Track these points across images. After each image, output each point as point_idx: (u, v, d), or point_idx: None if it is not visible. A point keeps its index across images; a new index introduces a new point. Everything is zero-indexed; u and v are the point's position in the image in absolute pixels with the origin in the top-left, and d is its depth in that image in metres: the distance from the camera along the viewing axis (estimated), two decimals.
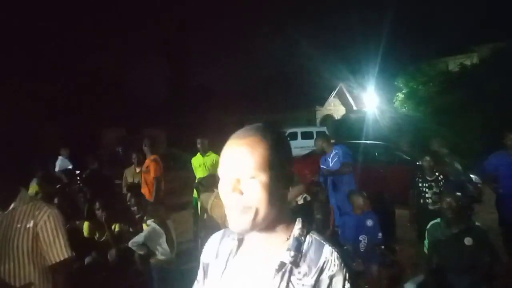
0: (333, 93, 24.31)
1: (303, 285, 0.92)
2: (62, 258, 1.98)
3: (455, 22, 19.66)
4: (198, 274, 1.15)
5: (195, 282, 1.16)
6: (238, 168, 0.93)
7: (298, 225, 0.99)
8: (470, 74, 15.49)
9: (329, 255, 0.94)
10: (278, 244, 0.97)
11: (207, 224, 4.63)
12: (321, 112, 23.58)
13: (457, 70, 16.77)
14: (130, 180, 5.53)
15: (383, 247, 3.95)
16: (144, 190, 4.94)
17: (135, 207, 4.79)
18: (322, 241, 0.97)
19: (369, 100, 20.30)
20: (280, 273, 0.93)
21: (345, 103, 24.95)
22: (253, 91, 23.56)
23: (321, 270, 0.92)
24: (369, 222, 4.02)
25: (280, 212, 0.97)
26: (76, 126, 15.19)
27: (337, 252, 0.95)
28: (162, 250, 3.88)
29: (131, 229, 4.48)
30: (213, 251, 1.11)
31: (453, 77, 16.11)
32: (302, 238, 0.97)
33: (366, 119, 15.97)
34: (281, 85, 23.68)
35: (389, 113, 16.81)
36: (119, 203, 4.86)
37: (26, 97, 13.68)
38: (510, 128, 4.45)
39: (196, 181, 5.56)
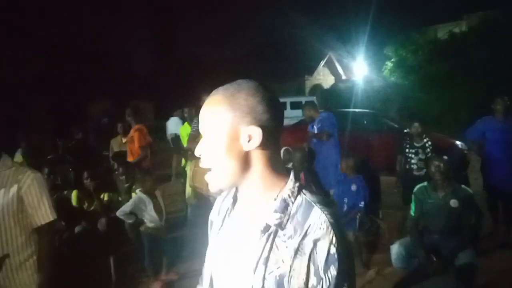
0: (322, 63, 24.11)
1: (286, 247, 0.89)
2: (47, 221, 2.03)
3: None
4: (209, 234, 1.15)
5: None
6: (202, 128, 0.95)
7: (289, 184, 0.95)
8: (459, 42, 15.44)
9: (317, 218, 0.89)
10: (266, 204, 0.94)
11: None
12: (310, 82, 23.44)
13: (446, 38, 16.70)
14: (116, 150, 5.49)
15: (360, 214, 4.00)
16: (130, 159, 4.91)
17: (123, 176, 4.78)
18: (313, 203, 0.92)
19: (358, 69, 20.21)
20: (266, 235, 0.91)
21: (334, 72, 24.82)
22: (242, 61, 23.23)
23: (306, 233, 0.88)
24: (353, 187, 4.07)
25: (258, 170, 0.93)
26: (60, 96, 14.89)
27: (326, 214, 0.89)
28: (150, 218, 3.88)
29: (120, 198, 4.47)
30: (217, 208, 1.11)
31: (441, 45, 16.06)
32: (292, 198, 0.93)
33: (355, 88, 15.95)
34: (270, 55, 23.36)
35: (378, 82, 16.79)
36: (107, 172, 4.83)
37: (7, 66, 13.28)
38: (498, 94, 4.47)
39: (184, 151, 5.55)
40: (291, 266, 0.88)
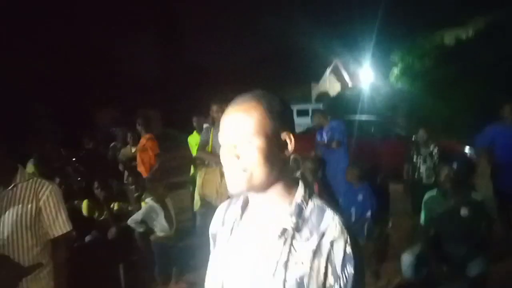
0: (329, 70, 24.15)
1: (304, 249, 0.94)
2: (64, 231, 2.07)
3: None
4: (211, 246, 1.17)
5: (211, 255, 1.18)
6: (235, 134, 0.97)
7: (300, 190, 1.00)
8: (465, 47, 15.41)
9: (331, 220, 0.95)
10: (280, 210, 0.99)
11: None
12: (316, 89, 23.47)
13: (452, 42, 16.67)
14: (126, 159, 5.54)
15: (368, 223, 3.97)
16: (140, 169, 4.94)
17: (133, 186, 4.83)
18: (324, 206, 0.98)
19: (365, 76, 20.19)
20: (283, 238, 0.95)
21: (340, 79, 24.83)
22: (248, 69, 23.35)
23: (322, 235, 0.94)
24: (360, 197, 4.06)
25: (279, 176, 0.98)
26: (69, 106, 15.01)
27: (338, 216, 0.96)
28: (160, 227, 3.91)
29: (129, 208, 4.51)
30: (219, 219, 1.14)
31: (448, 50, 16.03)
32: (304, 203, 0.99)
33: (362, 95, 15.94)
34: (277, 62, 23.45)
35: (384, 88, 16.78)
36: (117, 182, 4.88)
37: (15, 74, 13.39)
38: (507, 99, 4.46)
39: (193, 159, 5.59)
40: (310, 268, 0.92)
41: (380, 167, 6.07)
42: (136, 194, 4.69)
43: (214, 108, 3.76)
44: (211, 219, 4.15)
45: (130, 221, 3.90)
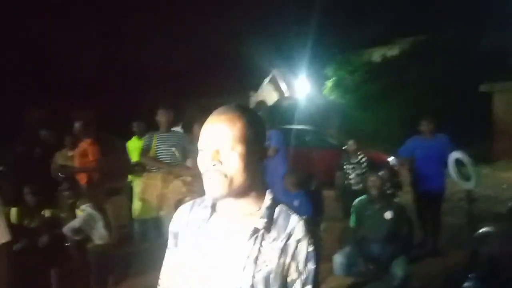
0: (267, 80, 24.73)
1: (272, 248, 1.05)
2: (4, 241, 2.03)
3: (379, 14, 20.89)
4: (168, 243, 1.23)
5: (167, 250, 1.24)
6: (219, 140, 1.05)
7: (269, 196, 1.12)
8: (391, 64, 16.74)
9: (296, 223, 1.08)
10: (251, 212, 1.10)
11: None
12: (254, 98, 23.89)
13: (379, 60, 18.02)
14: (62, 164, 5.28)
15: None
16: (80, 175, 4.77)
17: (68, 192, 4.63)
18: (290, 211, 1.11)
19: (301, 87, 21.01)
20: (253, 238, 1.06)
21: (277, 89, 25.53)
22: (188, 75, 23.16)
23: (289, 236, 1.06)
24: (296, 202, 4.32)
25: (253, 182, 1.09)
26: None
27: (302, 220, 1.09)
28: (99, 235, 3.82)
29: (63, 215, 4.33)
30: (183, 220, 1.20)
31: (376, 67, 17.30)
32: (273, 208, 1.11)
33: (298, 106, 16.58)
34: (216, 70, 23.53)
35: (318, 100, 17.63)
36: (50, 187, 4.65)
37: None
38: (424, 116, 4.99)
39: (132, 165, 5.50)
40: (277, 264, 1.04)
41: (315, 174, 6.43)
42: (70, 201, 4.51)
43: (161, 112, 3.78)
44: (151, 225, 4.13)
45: (66, 229, 3.76)
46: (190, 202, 1.23)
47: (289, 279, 1.05)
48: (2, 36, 15.45)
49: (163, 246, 1.26)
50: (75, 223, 3.78)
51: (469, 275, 3.26)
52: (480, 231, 3.50)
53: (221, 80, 22.22)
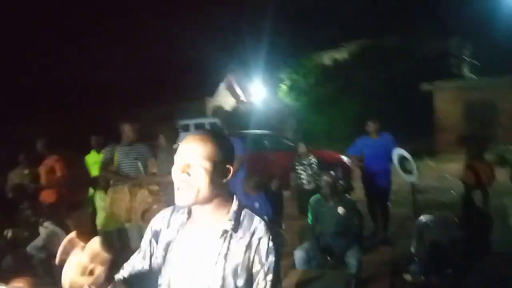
0: (222, 84, 24.90)
1: (239, 245, 1.28)
2: None
3: (328, 18, 21.71)
4: (142, 243, 1.41)
5: (137, 251, 1.42)
6: (190, 156, 1.26)
7: (235, 202, 1.35)
8: (341, 67, 17.51)
9: (258, 223, 1.31)
10: (221, 216, 1.32)
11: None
12: (211, 103, 23.99)
13: (330, 63, 18.78)
14: (17, 182, 5.20)
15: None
16: (47, 192, 4.74)
17: (29, 210, 4.59)
18: (252, 214, 1.34)
19: (256, 91, 21.38)
20: (223, 238, 1.28)
21: (233, 93, 25.76)
22: (142, 83, 22.84)
23: (252, 234, 1.29)
24: (256, 205, 4.59)
25: (219, 192, 1.31)
26: None
27: (264, 221, 1.32)
28: None
29: (25, 233, 4.30)
30: (165, 221, 1.40)
31: (327, 70, 18.02)
32: (239, 211, 1.33)
33: (254, 110, 16.92)
34: (171, 76, 23.38)
35: (274, 103, 18.07)
36: (10, 207, 4.59)
37: None
38: (370, 116, 5.40)
39: (92, 179, 5.51)
40: (243, 258, 1.27)
41: (274, 176, 6.72)
42: (32, 219, 4.49)
43: (126, 127, 3.87)
44: (115, 237, 4.23)
45: (31, 248, 3.77)
46: (171, 207, 1.43)
47: (254, 270, 1.28)
48: None
49: (128, 258, 1.43)
50: (39, 241, 3.80)
51: (414, 259, 3.66)
52: (421, 219, 3.93)
53: (176, 87, 22.11)
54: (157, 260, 1.36)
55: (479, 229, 3.93)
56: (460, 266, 3.33)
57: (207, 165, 1.26)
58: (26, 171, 5.23)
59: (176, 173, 1.27)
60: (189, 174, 1.25)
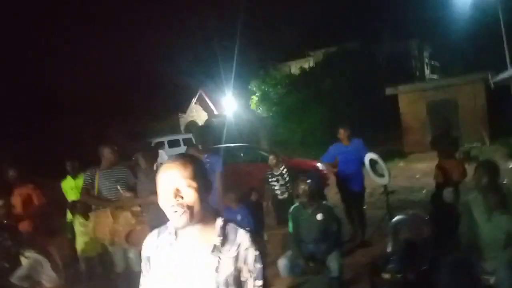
0: (194, 99, 24.96)
1: (228, 257, 1.41)
2: None
3: (293, 28, 22.25)
4: (142, 268, 1.52)
5: (141, 276, 1.52)
6: (176, 181, 1.37)
7: (220, 218, 1.47)
8: (308, 76, 17.96)
9: (244, 235, 1.44)
10: (208, 232, 1.43)
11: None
12: (184, 119, 23.98)
13: (298, 72, 19.22)
14: None
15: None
16: (26, 221, 4.67)
17: (8, 242, 4.51)
18: (237, 227, 1.47)
19: (228, 104, 21.54)
20: (214, 252, 1.40)
21: (206, 108, 25.85)
22: (112, 101, 22.53)
23: (239, 246, 1.42)
24: (238, 217, 4.71)
25: (207, 209, 1.43)
26: None
27: (248, 233, 1.46)
28: (48, 278, 3.81)
29: (7, 265, 4.22)
30: (153, 244, 1.50)
31: (295, 79, 18.43)
32: (224, 226, 1.45)
33: (227, 123, 17.04)
34: (142, 95, 23.24)
35: (246, 115, 18.28)
36: None
37: None
38: (340, 124, 5.62)
39: (70, 204, 5.46)
40: (233, 269, 1.41)
41: (253, 188, 6.83)
42: (13, 250, 4.40)
43: (105, 150, 3.89)
44: (97, 261, 4.29)
45: (14, 279, 3.71)
46: (156, 230, 1.53)
47: (243, 279, 1.43)
48: None
49: (111, 281, 1.53)
50: (22, 271, 3.74)
51: (391, 258, 3.85)
52: (395, 219, 4.14)
53: (147, 104, 21.96)
54: (155, 281, 1.47)
55: (448, 224, 4.19)
56: (434, 261, 3.53)
57: (194, 184, 1.38)
58: (0, 203, 5.12)
59: (168, 199, 1.37)
60: (182, 197, 1.36)
